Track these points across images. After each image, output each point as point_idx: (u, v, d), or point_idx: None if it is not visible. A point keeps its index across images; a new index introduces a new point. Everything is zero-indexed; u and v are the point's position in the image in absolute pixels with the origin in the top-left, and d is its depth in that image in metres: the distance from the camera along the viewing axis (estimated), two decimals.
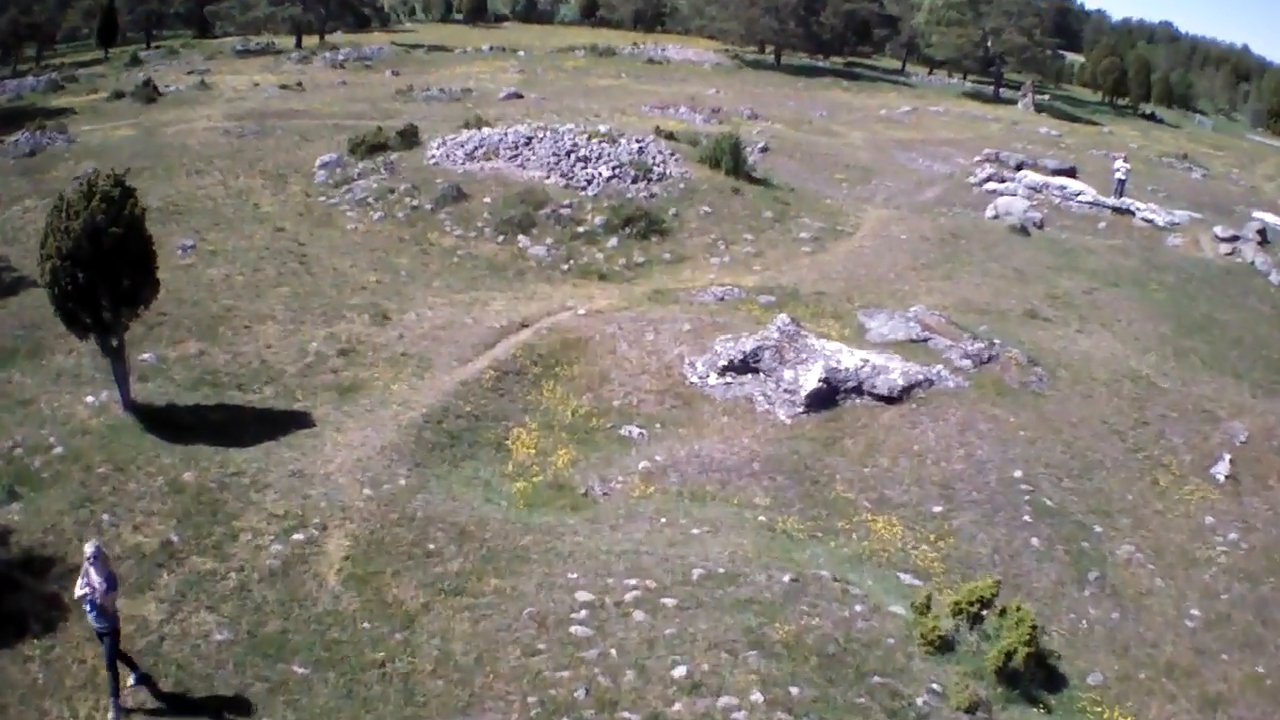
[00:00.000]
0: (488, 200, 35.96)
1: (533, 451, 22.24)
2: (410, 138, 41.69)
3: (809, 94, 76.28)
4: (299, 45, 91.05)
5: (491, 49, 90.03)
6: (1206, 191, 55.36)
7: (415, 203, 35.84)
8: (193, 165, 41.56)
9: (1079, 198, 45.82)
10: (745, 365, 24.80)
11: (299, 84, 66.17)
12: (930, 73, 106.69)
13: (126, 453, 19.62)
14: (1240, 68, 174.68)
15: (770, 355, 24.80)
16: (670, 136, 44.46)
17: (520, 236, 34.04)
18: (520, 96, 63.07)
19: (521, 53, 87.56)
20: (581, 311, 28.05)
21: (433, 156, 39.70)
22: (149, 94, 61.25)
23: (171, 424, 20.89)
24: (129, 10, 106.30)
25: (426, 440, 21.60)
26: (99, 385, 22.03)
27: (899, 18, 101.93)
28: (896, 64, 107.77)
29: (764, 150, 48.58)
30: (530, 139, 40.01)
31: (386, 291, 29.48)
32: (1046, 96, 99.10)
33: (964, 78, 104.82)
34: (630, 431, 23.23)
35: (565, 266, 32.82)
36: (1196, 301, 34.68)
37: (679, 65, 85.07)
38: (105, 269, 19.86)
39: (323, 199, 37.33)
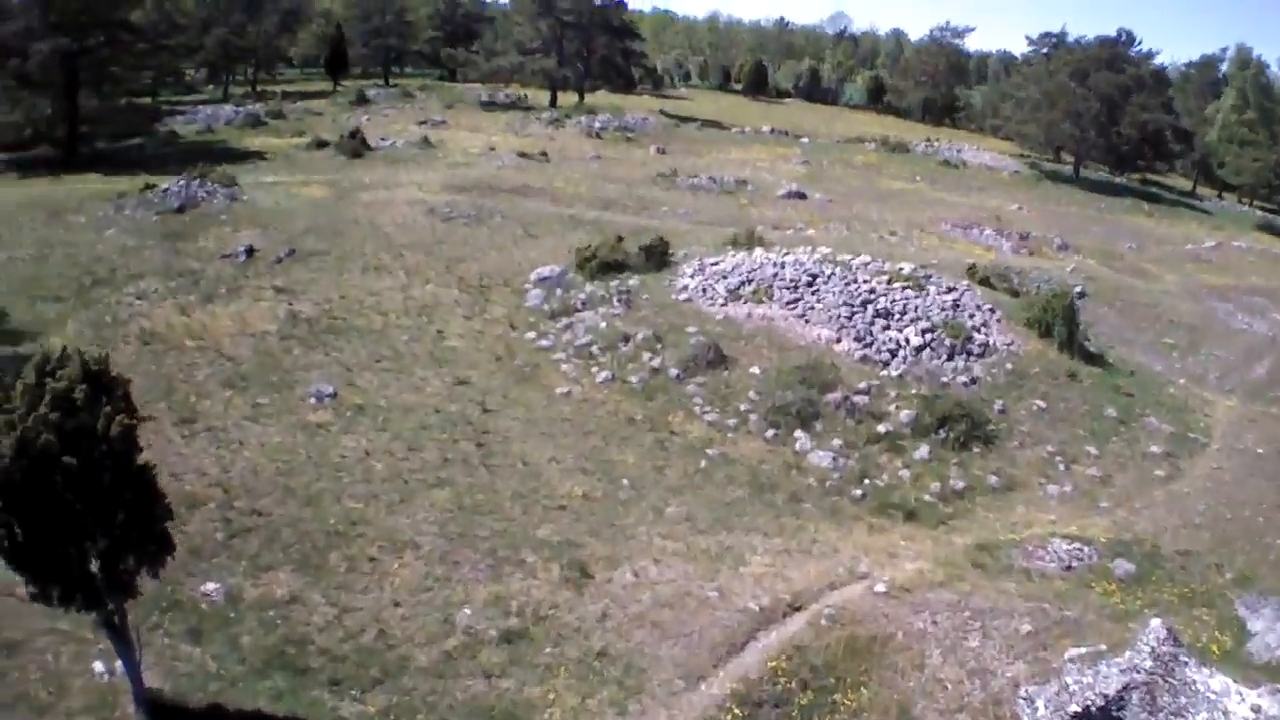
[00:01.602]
0: (755, 371, 26.72)
1: None
2: (658, 256, 32.84)
3: (1112, 217, 67.34)
4: (553, 104, 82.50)
5: (773, 132, 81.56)
6: None
7: (656, 362, 26.90)
8: (375, 256, 34.18)
9: None
10: (1106, 716, 15.10)
11: (543, 153, 57.46)
12: (1220, 195, 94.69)
13: None
14: None
15: (1140, 701, 15.08)
16: (985, 282, 34.98)
17: (798, 432, 24.53)
18: (803, 196, 54.23)
19: (805, 139, 79.19)
20: (880, 587, 18.31)
21: (684, 288, 30.81)
22: (355, 147, 52.89)
23: None
24: (363, 43, 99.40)
25: None
26: None
27: (1192, 132, 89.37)
28: (1186, 183, 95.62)
29: (1082, 296, 40.87)
30: (815, 278, 30.61)
31: (596, 518, 20.43)
32: None
33: (1251, 204, 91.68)
34: None
35: (858, 491, 23.00)
36: None
37: (975, 171, 76.82)
38: (63, 519, 12.62)
39: (531, 335, 29.05)
